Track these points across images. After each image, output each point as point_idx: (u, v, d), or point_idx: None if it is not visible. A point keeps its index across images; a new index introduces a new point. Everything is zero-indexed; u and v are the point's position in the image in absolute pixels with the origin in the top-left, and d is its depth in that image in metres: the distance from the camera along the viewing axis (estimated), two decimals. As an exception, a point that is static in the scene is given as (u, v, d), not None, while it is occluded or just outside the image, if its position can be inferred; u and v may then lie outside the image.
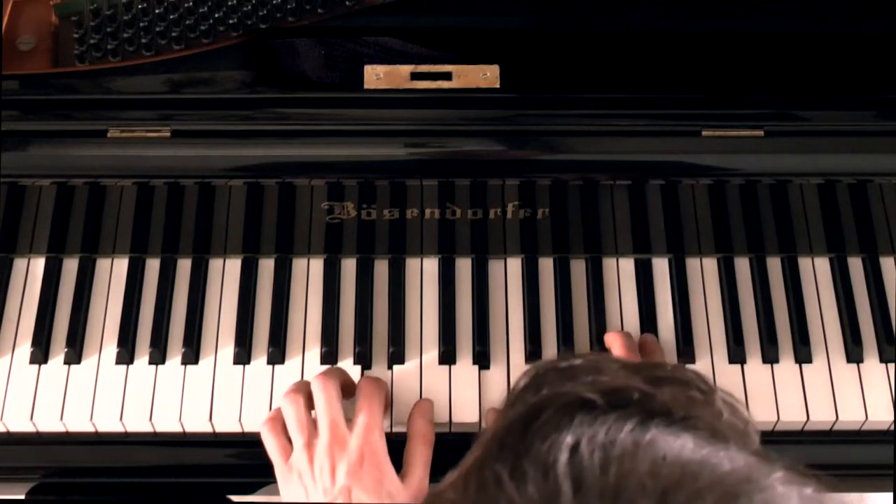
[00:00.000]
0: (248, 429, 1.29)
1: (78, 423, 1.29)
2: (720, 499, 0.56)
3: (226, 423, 1.30)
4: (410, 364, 1.32)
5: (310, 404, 1.22)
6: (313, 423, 1.20)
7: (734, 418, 0.71)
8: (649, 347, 1.32)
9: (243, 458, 1.31)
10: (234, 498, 1.38)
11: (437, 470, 1.23)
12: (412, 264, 1.38)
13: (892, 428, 1.29)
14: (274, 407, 1.27)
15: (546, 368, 0.74)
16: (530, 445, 0.61)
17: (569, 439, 0.60)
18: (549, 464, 0.59)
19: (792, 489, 0.58)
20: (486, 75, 1.24)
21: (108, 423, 1.29)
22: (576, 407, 0.63)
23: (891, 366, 1.31)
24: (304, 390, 1.23)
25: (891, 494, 1.27)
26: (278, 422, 1.22)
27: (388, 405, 1.29)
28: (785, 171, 1.26)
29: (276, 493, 1.30)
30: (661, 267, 1.38)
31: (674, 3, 1.29)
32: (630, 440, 0.60)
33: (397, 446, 1.22)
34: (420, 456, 1.21)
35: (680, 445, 0.60)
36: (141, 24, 1.26)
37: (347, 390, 1.25)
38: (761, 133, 1.23)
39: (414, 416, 1.25)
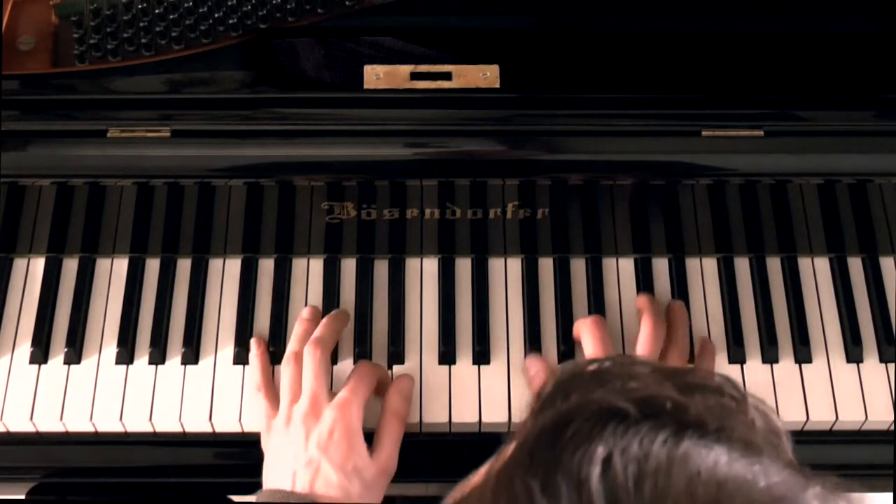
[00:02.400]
0: (248, 429, 1.29)
1: (78, 423, 1.29)
2: None
3: (226, 423, 1.30)
4: (410, 364, 1.32)
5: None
6: (300, 388, 1.23)
7: (766, 426, 0.69)
8: (677, 318, 1.33)
9: (243, 458, 1.30)
10: (235, 498, 1.38)
11: (439, 472, 1.24)
12: (412, 264, 1.38)
13: (892, 428, 1.29)
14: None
15: (574, 372, 0.72)
16: (561, 457, 0.60)
17: (601, 451, 0.59)
18: (583, 479, 0.58)
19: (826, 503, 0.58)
20: (486, 75, 1.24)
21: (107, 423, 1.29)
22: (607, 416, 0.62)
23: (890, 366, 1.31)
24: (300, 354, 1.26)
25: (891, 494, 1.27)
26: (267, 384, 1.28)
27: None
28: (785, 171, 1.26)
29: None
30: (660, 267, 1.38)
31: (674, 3, 1.29)
32: (664, 454, 0.59)
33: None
34: (390, 432, 1.23)
35: (714, 460, 0.59)
36: (141, 24, 1.26)
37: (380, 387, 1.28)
38: (761, 133, 1.23)
39: (390, 392, 1.27)
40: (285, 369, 1.25)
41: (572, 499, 0.57)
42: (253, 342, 1.32)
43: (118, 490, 1.33)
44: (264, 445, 1.23)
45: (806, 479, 0.60)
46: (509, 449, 0.66)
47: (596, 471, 0.58)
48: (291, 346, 1.28)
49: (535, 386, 1.29)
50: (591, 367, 0.72)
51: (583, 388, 0.68)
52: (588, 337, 1.28)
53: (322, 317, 1.32)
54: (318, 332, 1.27)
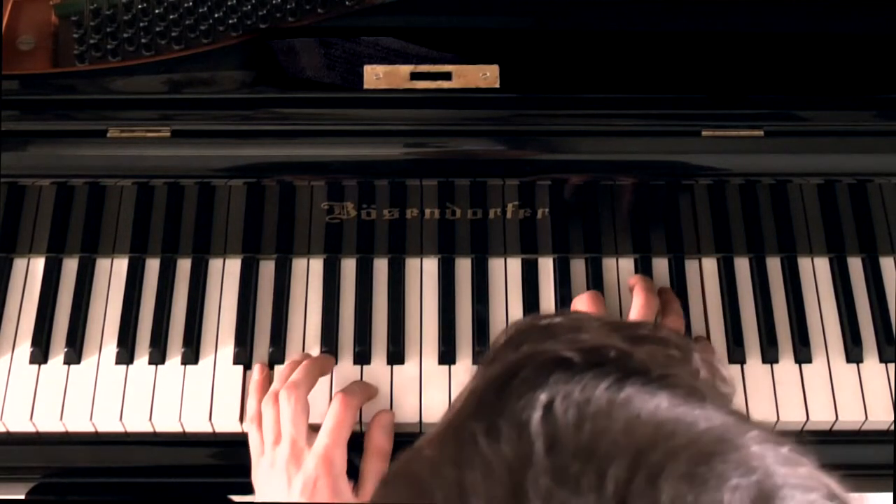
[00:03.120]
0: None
1: (78, 422, 1.29)
2: (694, 457, 0.55)
3: (226, 423, 1.30)
4: (410, 364, 1.32)
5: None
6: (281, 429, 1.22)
7: (712, 376, 0.71)
8: (670, 295, 1.34)
9: (243, 459, 1.30)
10: (236, 498, 1.38)
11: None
12: (412, 264, 1.38)
13: (892, 428, 1.29)
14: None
15: (527, 326, 0.73)
16: (507, 404, 0.60)
17: (543, 397, 0.59)
18: (524, 422, 0.58)
19: (767, 448, 0.58)
20: (485, 75, 1.24)
21: (107, 423, 1.29)
22: (553, 365, 0.63)
23: (890, 366, 1.31)
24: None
25: (891, 494, 1.27)
26: (259, 417, 1.26)
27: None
28: (785, 171, 1.26)
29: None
30: (660, 267, 1.38)
31: (674, 3, 1.29)
32: (605, 398, 0.59)
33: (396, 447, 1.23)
34: (373, 471, 1.23)
35: (655, 404, 0.59)
36: (141, 24, 1.26)
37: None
38: (761, 133, 1.23)
39: (371, 429, 1.26)
40: (266, 409, 1.24)
41: (513, 441, 0.57)
42: (256, 369, 1.31)
43: (118, 490, 1.33)
44: (253, 479, 1.23)
45: (746, 424, 0.60)
46: (461, 398, 0.66)
47: (537, 415, 0.58)
48: (274, 385, 1.26)
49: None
50: (543, 322, 0.72)
51: (533, 341, 0.68)
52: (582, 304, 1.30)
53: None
54: (296, 375, 1.25)
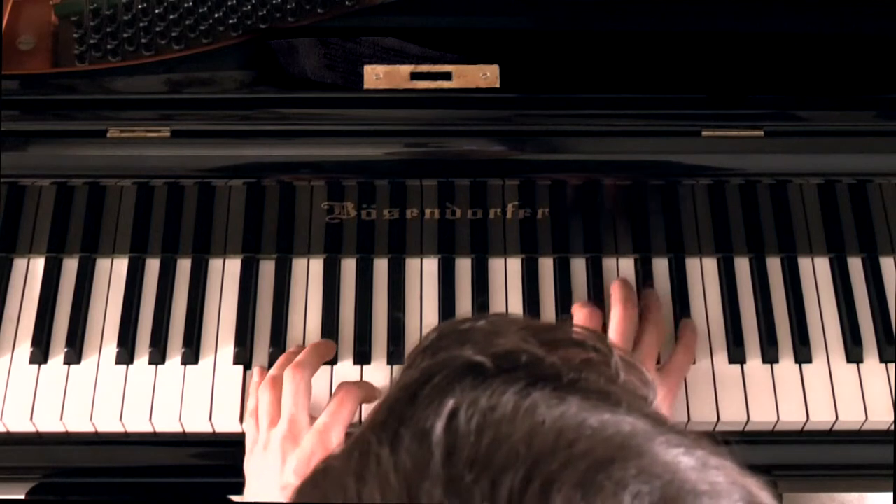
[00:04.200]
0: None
1: (78, 423, 1.29)
2: (592, 466, 0.53)
3: (226, 423, 1.30)
4: (410, 364, 1.32)
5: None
6: (279, 412, 1.22)
7: (631, 379, 0.68)
8: (650, 302, 1.33)
9: (243, 459, 1.30)
10: (235, 498, 1.38)
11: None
12: (412, 264, 1.38)
13: (892, 428, 1.29)
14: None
15: (446, 329, 0.71)
16: (414, 412, 0.59)
17: (450, 404, 0.58)
18: (426, 430, 0.56)
19: (677, 452, 0.56)
20: (486, 75, 1.24)
21: (107, 423, 1.29)
22: (465, 372, 0.61)
23: (891, 366, 1.31)
24: (280, 378, 1.24)
25: (891, 494, 1.27)
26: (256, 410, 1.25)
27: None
28: (785, 171, 1.26)
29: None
30: (660, 267, 1.38)
31: (674, 3, 1.29)
32: (511, 405, 0.57)
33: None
34: None
35: (562, 411, 0.57)
36: (141, 24, 1.26)
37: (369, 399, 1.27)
38: (761, 133, 1.23)
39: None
40: (263, 393, 1.23)
41: (413, 450, 0.56)
42: (256, 371, 1.31)
43: (118, 490, 1.33)
44: (245, 469, 1.22)
45: (660, 428, 0.58)
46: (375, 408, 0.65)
47: (440, 423, 0.56)
48: (272, 371, 1.27)
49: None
50: (463, 326, 0.70)
51: (450, 346, 0.66)
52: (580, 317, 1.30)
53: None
54: (300, 356, 1.25)
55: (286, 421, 1.19)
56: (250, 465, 1.21)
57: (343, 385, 1.24)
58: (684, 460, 0.56)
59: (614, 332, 1.27)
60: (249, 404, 1.27)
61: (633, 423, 0.58)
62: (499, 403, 0.57)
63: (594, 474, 0.53)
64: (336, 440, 1.17)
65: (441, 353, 0.66)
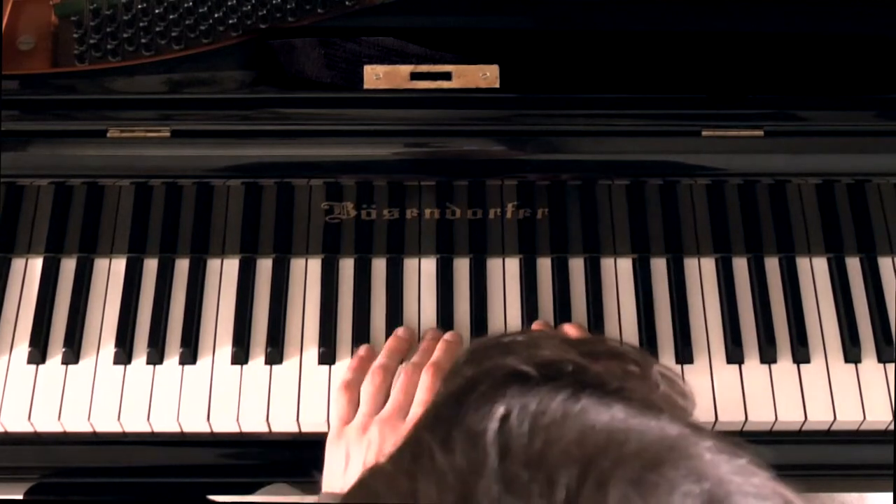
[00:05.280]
0: (246, 429, 1.29)
1: (76, 423, 1.29)
2: (645, 465, 0.55)
3: (224, 424, 1.29)
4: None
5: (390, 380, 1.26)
6: (384, 400, 1.23)
7: (671, 391, 0.71)
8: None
9: (242, 459, 1.31)
10: (218, 498, 1.38)
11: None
12: (410, 264, 1.38)
13: (891, 427, 1.29)
14: (274, 406, 1.29)
15: (487, 344, 0.74)
16: (463, 416, 0.61)
17: (500, 410, 0.60)
18: (479, 433, 0.58)
19: (721, 457, 0.58)
20: (485, 75, 1.24)
21: (105, 423, 1.29)
22: (510, 379, 0.63)
23: (889, 366, 1.32)
24: (394, 363, 1.27)
25: (891, 494, 1.27)
26: (353, 386, 1.26)
27: None
28: (784, 171, 1.26)
29: (276, 493, 1.30)
30: (659, 267, 1.38)
31: (674, 3, 1.29)
32: (560, 410, 0.59)
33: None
34: None
35: (610, 415, 0.60)
36: (141, 24, 1.26)
37: None
38: (761, 133, 1.23)
39: None
40: (370, 379, 1.25)
41: (467, 451, 0.58)
42: (364, 347, 1.32)
43: (117, 490, 1.33)
44: (330, 447, 1.22)
45: (702, 435, 0.60)
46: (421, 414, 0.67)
47: (493, 426, 0.58)
48: (380, 359, 1.28)
49: None
50: (504, 339, 0.73)
51: (492, 357, 0.69)
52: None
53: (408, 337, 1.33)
54: (437, 355, 1.27)
55: (392, 407, 1.21)
56: (340, 447, 1.21)
57: (429, 370, 1.25)
58: (729, 465, 0.58)
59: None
60: (346, 376, 1.27)
61: (678, 429, 0.60)
62: (548, 408, 0.59)
63: (647, 473, 0.55)
64: None
65: (485, 362, 0.68)
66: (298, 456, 1.30)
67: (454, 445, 0.59)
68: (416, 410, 1.21)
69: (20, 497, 1.33)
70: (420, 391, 1.23)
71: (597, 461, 0.55)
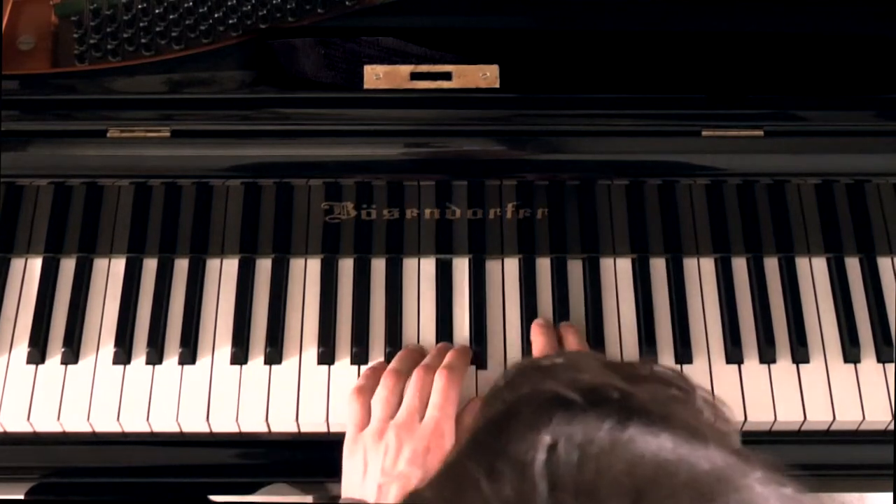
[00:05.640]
0: (246, 429, 1.29)
1: (75, 423, 1.29)
2: (696, 498, 0.55)
3: (223, 424, 1.29)
4: (408, 364, 1.32)
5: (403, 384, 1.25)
6: (398, 403, 1.22)
7: (714, 417, 0.71)
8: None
9: (241, 458, 1.31)
10: (218, 498, 1.38)
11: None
12: (409, 264, 1.38)
13: (891, 427, 1.29)
14: (274, 406, 1.29)
15: (526, 367, 0.74)
16: (507, 444, 0.61)
17: (547, 439, 0.59)
18: (527, 463, 0.58)
19: (770, 489, 0.58)
20: (485, 75, 1.24)
21: (105, 423, 1.29)
22: (554, 405, 0.63)
23: (888, 366, 1.32)
24: (406, 368, 1.26)
25: (891, 494, 1.27)
26: (366, 391, 1.25)
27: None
28: (784, 171, 1.27)
29: (276, 493, 1.30)
30: (658, 267, 1.38)
31: (674, 3, 1.29)
32: (608, 439, 0.59)
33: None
34: None
35: (658, 445, 0.59)
36: (141, 24, 1.26)
37: None
38: (761, 133, 1.23)
39: (464, 414, 1.25)
40: (384, 384, 1.24)
41: (515, 482, 0.58)
42: (378, 361, 1.32)
43: (116, 490, 1.33)
44: (347, 454, 1.22)
45: (750, 464, 0.60)
46: (460, 439, 0.67)
47: (541, 456, 0.58)
48: (394, 364, 1.27)
49: (537, 351, 1.31)
50: (544, 363, 0.73)
51: (533, 381, 0.69)
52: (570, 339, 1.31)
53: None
54: (450, 359, 1.26)
55: (405, 412, 1.20)
56: (357, 452, 1.21)
57: (443, 373, 1.24)
58: (778, 496, 0.58)
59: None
60: (360, 382, 1.27)
61: (726, 458, 0.60)
62: (596, 437, 0.59)
63: None
64: (449, 434, 1.19)
65: (525, 386, 0.68)
66: (298, 456, 1.30)
67: (501, 476, 0.58)
68: (431, 413, 1.20)
69: (21, 497, 1.33)
70: (434, 394, 1.22)
71: (648, 493, 0.55)
